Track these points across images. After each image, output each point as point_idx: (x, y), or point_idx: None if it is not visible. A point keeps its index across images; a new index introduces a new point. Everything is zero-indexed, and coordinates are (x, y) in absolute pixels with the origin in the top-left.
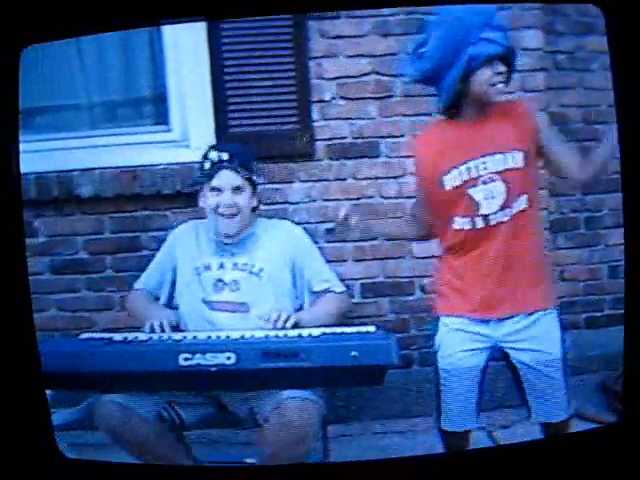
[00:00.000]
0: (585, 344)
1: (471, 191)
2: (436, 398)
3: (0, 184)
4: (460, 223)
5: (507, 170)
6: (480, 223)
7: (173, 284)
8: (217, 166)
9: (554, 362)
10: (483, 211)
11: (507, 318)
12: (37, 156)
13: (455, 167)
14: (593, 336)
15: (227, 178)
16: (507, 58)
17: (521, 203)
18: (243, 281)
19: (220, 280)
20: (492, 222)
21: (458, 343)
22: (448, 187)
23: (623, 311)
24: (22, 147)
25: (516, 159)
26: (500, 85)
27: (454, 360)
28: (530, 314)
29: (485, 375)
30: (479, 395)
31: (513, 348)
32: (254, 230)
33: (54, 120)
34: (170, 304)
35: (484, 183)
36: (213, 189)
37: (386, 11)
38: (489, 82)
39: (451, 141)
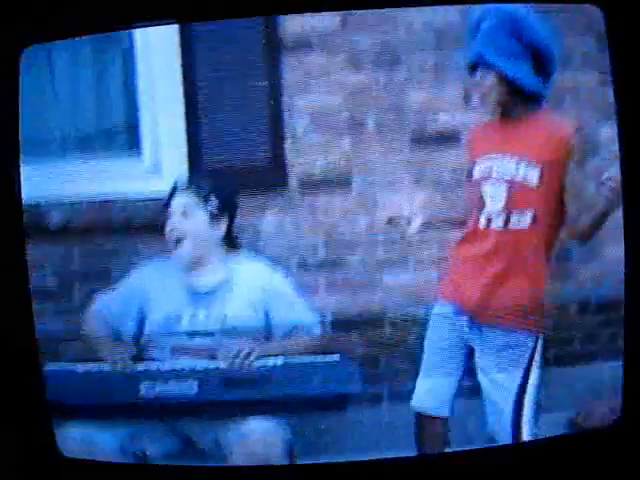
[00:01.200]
0: (551, 383)
1: (482, 187)
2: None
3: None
4: (473, 215)
5: (516, 177)
6: (483, 220)
7: (140, 325)
8: (173, 191)
9: (510, 387)
10: (487, 209)
11: (489, 327)
12: None
13: (481, 159)
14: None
15: (177, 202)
16: (486, 67)
17: (524, 219)
18: (217, 332)
19: (194, 331)
20: (491, 224)
21: (445, 330)
22: (476, 176)
23: (591, 348)
24: None
25: (529, 171)
26: (480, 94)
27: (438, 345)
28: (510, 332)
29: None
30: (456, 387)
31: (481, 357)
32: (229, 277)
33: (24, 151)
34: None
35: (492, 183)
36: (168, 213)
37: (357, 44)
38: (475, 90)
39: (487, 136)
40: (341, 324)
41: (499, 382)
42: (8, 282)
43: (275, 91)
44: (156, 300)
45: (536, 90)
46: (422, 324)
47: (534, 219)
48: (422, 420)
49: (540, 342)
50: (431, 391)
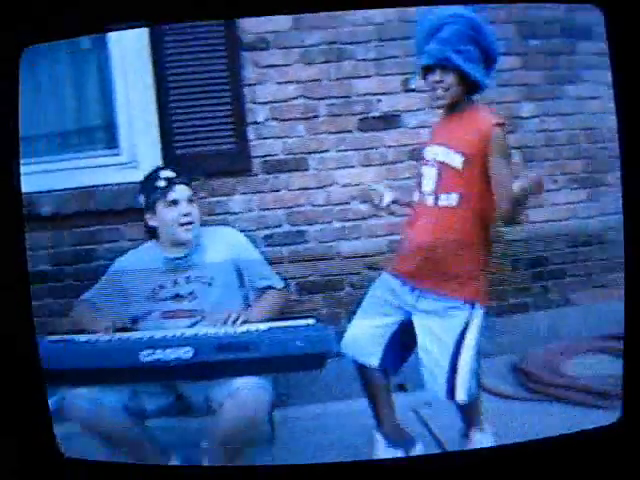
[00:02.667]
0: (494, 330)
1: (422, 168)
2: None
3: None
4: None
5: (444, 163)
6: (416, 197)
7: (128, 304)
8: (172, 182)
9: (444, 350)
10: (422, 188)
11: (426, 293)
12: None
13: (426, 146)
14: (501, 323)
15: (182, 191)
16: (447, 68)
17: (451, 199)
18: (198, 291)
19: (177, 294)
20: (425, 202)
21: (386, 292)
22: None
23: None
24: None
25: (454, 159)
26: (438, 91)
27: (376, 301)
28: (446, 299)
29: (396, 336)
30: (387, 348)
31: (419, 322)
32: (198, 241)
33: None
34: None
35: (427, 165)
36: (171, 203)
37: (309, 42)
38: (430, 87)
39: (435, 125)
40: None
41: (437, 340)
42: (8, 287)
43: (237, 85)
44: (137, 279)
45: (483, 87)
46: None
47: (460, 200)
48: (357, 367)
49: (477, 309)
50: (359, 340)
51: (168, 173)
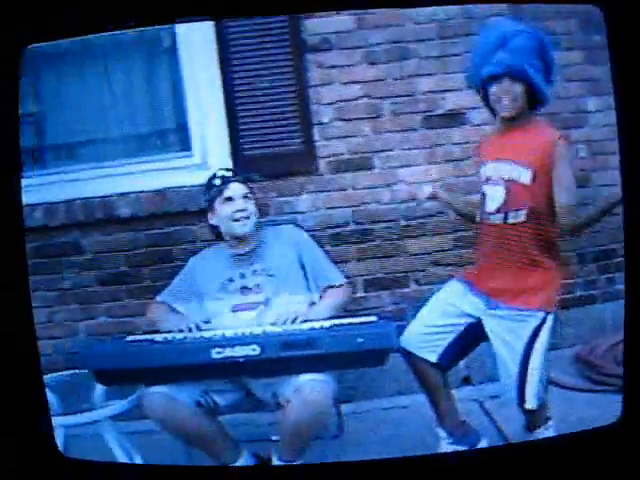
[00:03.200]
0: (559, 323)
1: (484, 187)
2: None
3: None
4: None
5: (511, 180)
6: (484, 217)
7: (201, 302)
8: (226, 180)
9: (515, 356)
10: (486, 208)
11: (499, 304)
12: (82, 184)
13: (483, 163)
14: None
15: (236, 188)
16: (516, 77)
17: (519, 216)
18: (264, 283)
19: (245, 287)
20: (490, 221)
21: (453, 297)
22: (482, 177)
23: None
24: (70, 176)
25: (523, 174)
26: (505, 102)
27: (445, 304)
28: (519, 309)
29: (462, 338)
30: (449, 346)
31: (490, 327)
32: (264, 238)
33: (95, 152)
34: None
35: (491, 184)
36: (226, 200)
37: (372, 41)
38: (496, 99)
39: (490, 140)
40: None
41: (507, 346)
42: (9, 287)
43: (302, 86)
44: (208, 276)
45: (546, 100)
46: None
47: (529, 216)
48: (411, 360)
49: (549, 315)
50: (421, 335)
51: (224, 172)
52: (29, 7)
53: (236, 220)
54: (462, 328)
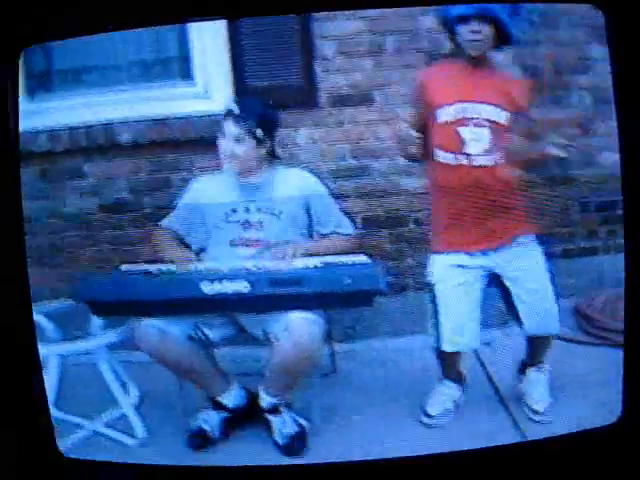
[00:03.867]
0: (559, 273)
1: (460, 129)
2: (435, 326)
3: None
4: (443, 157)
5: (494, 122)
6: (463, 161)
7: (203, 229)
8: (226, 116)
9: (542, 280)
10: (469, 150)
11: (499, 248)
12: (86, 110)
13: (449, 104)
14: (566, 266)
15: (229, 128)
16: (484, 18)
17: (500, 156)
18: (266, 221)
19: (247, 221)
20: (475, 163)
21: (458, 276)
22: (439, 121)
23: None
24: (74, 102)
25: (502, 116)
26: (475, 43)
27: (455, 292)
28: (514, 241)
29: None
30: (479, 317)
31: (505, 272)
32: (272, 177)
33: (99, 78)
34: (201, 247)
35: (475, 126)
36: (222, 135)
37: None
38: (465, 38)
39: (450, 80)
40: (369, 224)
41: (531, 280)
42: (8, 282)
43: (307, 20)
44: (213, 201)
45: (514, 40)
46: None
47: (508, 156)
48: (448, 356)
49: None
50: (459, 332)
51: (231, 106)
52: (29, 7)
53: (224, 157)
54: (481, 293)
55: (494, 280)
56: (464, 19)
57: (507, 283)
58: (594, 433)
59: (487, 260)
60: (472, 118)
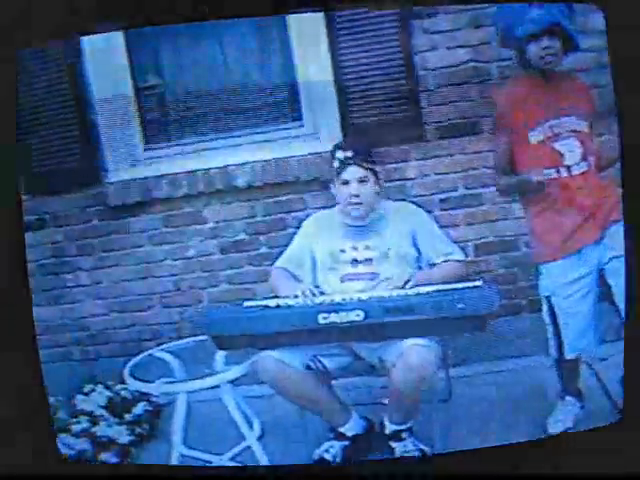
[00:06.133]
0: None
1: (555, 145)
2: (555, 336)
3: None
4: (545, 174)
5: (578, 131)
6: (564, 173)
7: (314, 267)
8: (344, 163)
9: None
10: (567, 162)
11: (609, 239)
12: (203, 155)
13: (539, 124)
14: None
15: (353, 172)
16: (554, 32)
17: (591, 162)
18: (375, 259)
19: (355, 260)
20: (575, 172)
21: (572, 283)
22: (533, 141)
23: None
24: (190, 148)
25: (583, 124)
26: (549, 58)
27: (571, 296)
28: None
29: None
30: (596, 320)
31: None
32: (380, 213)
33: (213, 125)
34: (314, 283)
35: (564, 139)
36: (343, 182)
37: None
38: (538, 55)
39: (530, 99)
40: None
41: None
42: (9, 281)
43: (408, 53)
44: (322, 241)
45: (578, 48)
46: None
47: (597, 161)
48: (569, 367)
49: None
50: (580, 335)
51: (342, 154)
52: (29, 7)
53: (350, 204)
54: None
55: (600, 280)
56: (535, 37)
57: (610, 281)
58: (594, 433)
59: (594, 254)
60: (560, 133)
